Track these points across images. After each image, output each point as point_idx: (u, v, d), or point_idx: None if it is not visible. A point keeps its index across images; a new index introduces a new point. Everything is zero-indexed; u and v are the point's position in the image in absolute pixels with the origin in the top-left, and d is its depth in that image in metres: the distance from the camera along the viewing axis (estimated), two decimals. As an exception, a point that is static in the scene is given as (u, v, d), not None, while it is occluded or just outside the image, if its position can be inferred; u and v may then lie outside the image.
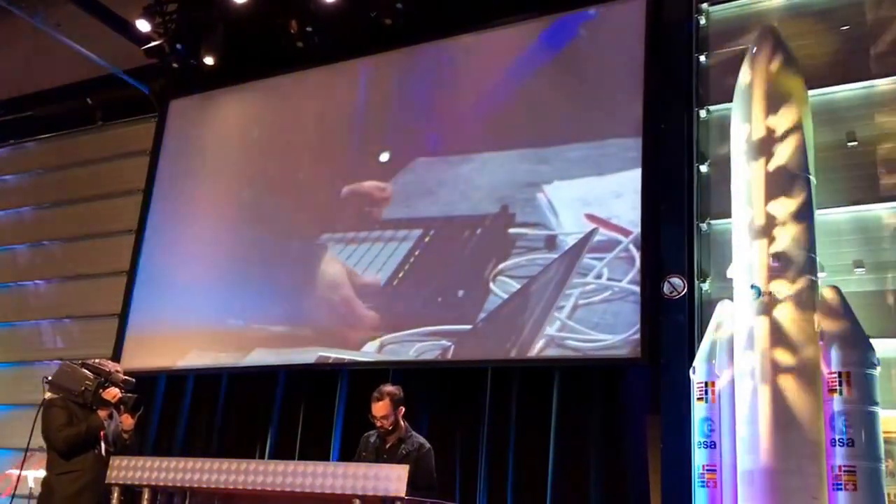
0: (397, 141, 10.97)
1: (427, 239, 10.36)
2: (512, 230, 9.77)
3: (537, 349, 9.08)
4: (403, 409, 7.16)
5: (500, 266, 9.70)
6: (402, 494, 5.18)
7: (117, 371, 7.18)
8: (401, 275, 10.33)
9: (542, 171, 9.79)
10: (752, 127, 7.01)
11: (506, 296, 9.55)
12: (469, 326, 9.65)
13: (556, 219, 9.55)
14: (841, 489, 6.19)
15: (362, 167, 11.01)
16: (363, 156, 11.09)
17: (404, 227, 10.57)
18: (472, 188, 10.26)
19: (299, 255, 11.00)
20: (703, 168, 8.79)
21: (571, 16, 10.03)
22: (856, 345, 6.44)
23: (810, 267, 6.66)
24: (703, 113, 8.96)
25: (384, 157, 10.98)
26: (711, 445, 6.85)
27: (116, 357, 11.32)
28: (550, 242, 9.49)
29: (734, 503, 6.57)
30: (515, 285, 9.54)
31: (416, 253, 10.36)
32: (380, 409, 7.05)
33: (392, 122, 11.13)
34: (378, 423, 7.07)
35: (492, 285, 9.66)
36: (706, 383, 6.98)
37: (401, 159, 10.86)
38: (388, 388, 7.20)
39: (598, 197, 9.28)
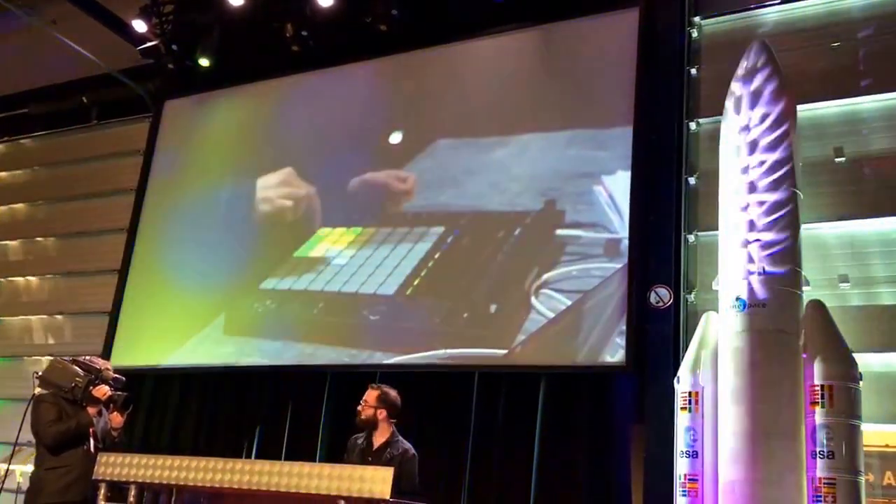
0: (409, 124, 10.34)
1: (450, 239, 9.38)
2: (560, 231, 8.81)
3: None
4: (386, 413, 7.13)
5: (545, 276, 8.66)
6: (387, 496, 5.21)
7: (107, 368, 7.20)
8: (415, 282, 9.45)
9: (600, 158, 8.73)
10: (741, 139, 7.07)
11: (552, 314, 8.57)
12: (503, 351, 8.73)
13: (619, 219, 8.66)
14: (821, 501, 6.24)
15: (369, 158, 10.50)
16: (368, 146, 10.58)
17: (421, 223, 9.61)
18: (509, 178, 9.27)
19: (294, 257, 10.74)
20: (692, 180, 8.86)
21: (564, 26, 9.92)
22: (839, 359, 6.49)
23: (795, 281, 6.72)
24: (693, 125, 9.03)
25: (395, 138, 10.28)
26: (694, 455, 6.86)
27: (107, 354, 11.37)
28: (612, 248, 8.54)
29: (715, 513, 6.64)
30: (565, 301, 8.53)
31: (436, 256, 9.41)
32: (368, 395, 7.12)
33: (399, 108, 10.62)
34: (359, 407, 7.12)
35: (533, 300, 8.65)
36: (690, 393, 7.01)
37: (416, 143, 10.12)
38: (388, 387, 7.24)
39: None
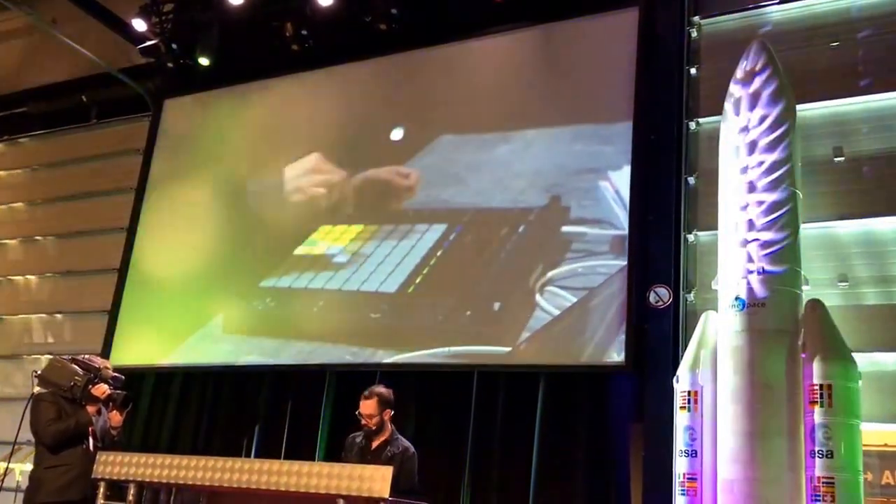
0: (411, 121, 10.25)
1: (453, 236, 9.28)
2: (566, 228, 8.70)
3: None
4: (391, 413, 7.17)
5: (550, 273, 8.58)
6: (386, 495, 5.21)
7: (106, 367, 7.21)
8: (418, 280, 9.36)
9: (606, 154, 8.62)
10: (740, 140, 7.07)
11: (557, 312, 8.48)
12: (507, 349, 8.67)
13: (626, 214, 8.56)
14: (819, 500, 6.24)
15: (370, 154, 10.43)
16: (370, 142, 10.51)
17: (423, 220, 9.50)
18: (512, 174, 9.15)
19: (294, 255, 10.71)
20: (692, 180, 8.86)
21: (563, 26, 9.89)
22: (838, 358, 6.48)
23: (795, 280, 6.73)
24: (692, 125, 9.03)
25: (397, 135, 10.18)
26: (693, 454, 6.87)
27: (106, 353, 11.36)
28: (618, 245, 8.44)
29: (714, 512, 6.64)
30: (570, 299, 8.44)
31: (438, 254, 9.31)
32: (366, 407, 7.09)
33: (401, 105, 10.53)
34: (363, 422, 7.11)
35: (538, 297, 8.57)
36: (689, 392, 7.01)
37: (419, 139, 10.02)
38: (380, 388, 7.24)
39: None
